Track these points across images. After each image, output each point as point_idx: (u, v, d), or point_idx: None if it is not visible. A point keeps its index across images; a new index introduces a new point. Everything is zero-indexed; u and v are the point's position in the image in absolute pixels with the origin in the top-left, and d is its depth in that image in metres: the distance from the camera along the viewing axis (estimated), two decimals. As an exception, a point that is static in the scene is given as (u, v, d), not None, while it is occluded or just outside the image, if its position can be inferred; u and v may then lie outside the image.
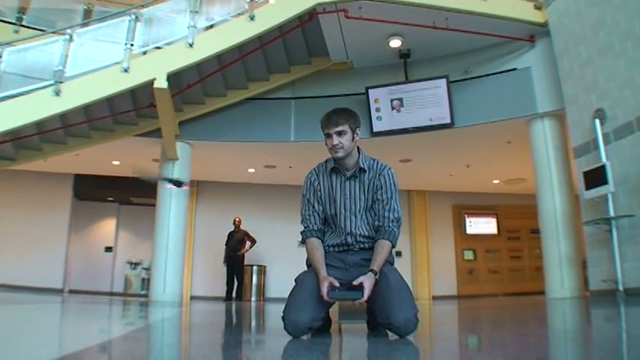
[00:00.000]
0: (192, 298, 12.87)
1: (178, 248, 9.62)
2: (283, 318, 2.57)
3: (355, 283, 2.50)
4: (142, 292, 13.57)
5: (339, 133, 2.70)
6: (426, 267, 14.11)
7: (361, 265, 2.68)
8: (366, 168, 2.79)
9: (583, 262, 7.90)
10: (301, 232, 2.85)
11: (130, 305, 7.68)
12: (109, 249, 14.70)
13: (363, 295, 2.47)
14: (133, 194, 14.25)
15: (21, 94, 7.85)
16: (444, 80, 8.79)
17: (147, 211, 12.43)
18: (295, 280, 2.73)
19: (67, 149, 9.55)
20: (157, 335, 3.30)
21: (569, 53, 7.77)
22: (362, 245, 2.77)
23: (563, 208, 8.04)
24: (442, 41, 8.71)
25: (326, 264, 2.67)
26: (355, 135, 2.76)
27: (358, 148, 2.84)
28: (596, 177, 6.88)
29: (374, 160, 2.86)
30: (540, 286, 8.72)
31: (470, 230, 14.97)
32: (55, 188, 13.37)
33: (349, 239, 2.76)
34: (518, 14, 8.27)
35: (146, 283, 13.08)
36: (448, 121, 8.87)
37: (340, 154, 2.72)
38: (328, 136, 2.74)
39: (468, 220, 15.01)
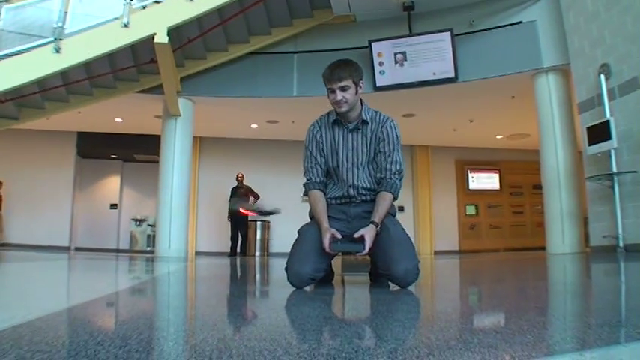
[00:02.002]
0: (197, 253, 13.02)
1: (182, 204, 9.69)
2: (286, 269, 2.61)
3: (356, 235, 2.52)
4: (148, 249, 13.73)
5: (343, 88, 2.65)
6: (428, 222, 14.20)
7: (363, 218, 2.69)
8: (368, 120, 2.76)
9: (584, 218, 7.94)
10: (304, 185, 2.85)
11: (136, 261, 7.78)
12: (114, 206, 14.80)
13: (364, 248, 2.49)
14: (136, 151, 14.25)
15: (21, 52, 7.79)
16: (448, 33, 8.66)
17: (151, 168, 12.47)
18: (298, 232, 2.75)
19: (69, 107, 9.52)
20: (163, 287, 3.36)
21: (576, 6, 7.63)
22: (364, 198, 2.78)
23: (565, 164, 8.04)
24: (447, -7, 8.57)
25: (328, 216, 2.68)
26: (358, 88, 2.71)
27: (361, 100, 2.80)
28: (599, 133, 6.86)
29: (376, 112, 2.83)
30: (541, 241, 8.80)
31: (472, 186, 15.01)
32: (58, 147, 13.41)
33: (351, 192, 2.76)
34: (525, -35, 8.11)
35: (151, 239, 13.22)
36: (452, 75, 8.78)
37: (344, 108, 2.69)
38: (331, 91, 2.69)
39: (470, 175, 15.03)
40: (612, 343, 1.14)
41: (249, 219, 12.29)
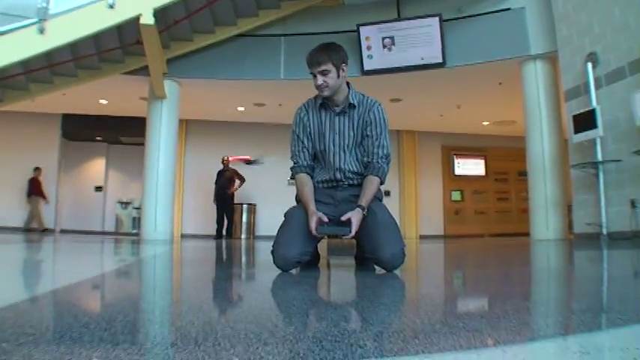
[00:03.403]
0: (183, 236, 13.01)
1: (168, 187, 9.66)
2: (272, 252, 2.61)
3: (343, 218, 2.52)
4: (134, 231, 13.68)
5: (323, 72, 2.64)
6: (414, 207, 14.28)
7: (350, 201, 2.69)
8: (355, 103, 2.75)
9: (568, 205, 8.02)
10: (291, 168, 2.84)
11: (121, 243, 7.75)
12: (99, 188, 14.70)
13: (350, 231, 2.49)
14: (121, 133, 14.15)
15: (4, 32, 7.66)
16: (436, 19, 8.65)
17: (136, 151, 12.39)
18: (284, 215, 2.74)
19: (54, 88, 9.41)
20: (149, 270, 3.35)
21: (565, -7, 7.64)
22: (351, 181, 2.78)
23: (551, 151, 8.10)
24: (436, -22, 8.54)
25: (315, 200, 2.68)
26: (340, 71, 2.69)
27: (348, 83, 2.79)
28: (585, 121, 6.90)
29: (364, 95, 2.82)
30: (526, 227, 8.89)
31: (458, 171, 15.10)
32: (43, 129, 13.29)
33: (338, 175, 2.76)
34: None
35: (137, 222, 13.17)
36: (440, 60, 8.79)
37: (326, 92, 2.68)
38: (313, 75, 2.68)
39: (456, 161, 15.11)
40: (595, 329, 1.16)
41: (235, 202, 12.28)
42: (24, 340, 0.98)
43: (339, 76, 2.69)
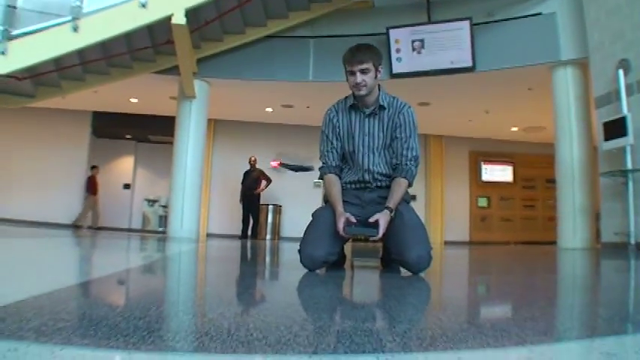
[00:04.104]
0: (208, 235, 13.11)
1: (195, 186, 9.75)
2: (300, 251, 2.63)
3: (371, 220, 2.53)
4: (160, 229, 13.83)
5: (363, 71, 2.66)
6: (440, 212, 14.18)
7: (377, 203, 2.71)
8: (385, 105, 2.76)
9: (596, 214, 7.89)
10: (319, 168, 2.87)
11: (148, 240, 7.86)
12: (127, 186, 14.88)
13: (378, 232, 2.51)
14: (150, 132, 14.31)
15: (39, 30, 7.83)
16: (467, 22, 8.60)
17: (164, 149, 12.53)
18: (312, 215, 2.77)
19: (85, 86, 9.56)
20: (178, 265, 3.40)
21: (597, 0, 7.54)
22: (379, 183, 2.79)
23: (580, 159, 7.98)
24: (467, -19, 8.51)
25: (343, 200, 2.69)
26: (378, 73, 2.72)
27: (379, 85, 2.80)
28: (616, 128, 6.80)
29: (394, 97, 2.83)
30: (552, 236, 8.77)
31: (485, 177, 14.95)
32: (73, 125, 13.50)
33: (366, 176, 2.77)
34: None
35: (163, 220, 13.32)
36: (470, 64, 8.73)
37: (363, 92, 2.69)
38: (351, 73, 2.69)
39: (483, 166, 14.96)
40: (622, 333, 1.16)
41: (261, 202, 12.34)
42: (62, 325, 1.01)
43: (376, 77, 2.71)
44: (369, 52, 2.70)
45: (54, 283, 1.83)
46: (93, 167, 13.55)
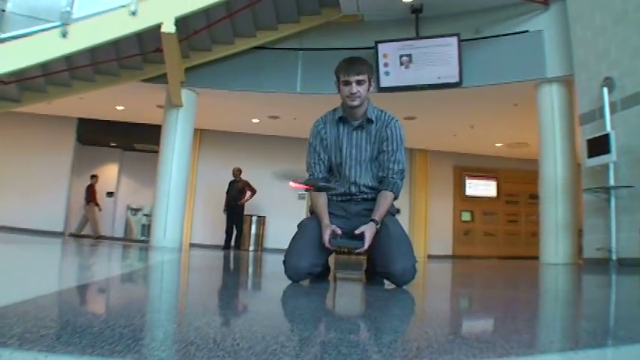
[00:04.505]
0: (192, 245, 13.02)
1: (180, 195, 9.69)
2: (284, 262, 2.63)
3: (357, 232, 2.54)
4: (142, 238, 13.72)
5: (359, 82, 2.69)
6: (423, 226, 14.22)
7: (363, 215, 2.71)
8: (373, 118, 2.79)
9: (579, 229, 7.97)
10: (306, 181, 2.86)
11: (130, 249, 7.80)
12: (110, 194, 14.77)
13: (363, 245, 2.51)
14: (136, 140, 14.24)
15: (27, 34, 7.78)
16: (455, 38, 8.68)
17: (149, 158, 12.47)
18: (298, 226, 2.77)
19: (72, 92, 9.51)
20: (162, 274, 3.38)
21: (584, 19, 7.65)
22: (365, 195, 2.80)
23: (564, 175, 8.07)
24: (455, -2, 8.60)
25: (329, 212, 2.70)
26: (370, 85, 2.76)
27: (368, 98, 2.82)
28: (599, 145, 6.88)
29: (382, 111, 2.85)
30: (534, 251, 8.82)
31: (469, 192, 15.05)
32: (58, 132, 13.36)
33: (353, 189, 2.78)
34: (534, -25, 8.13)
35: (146, 228, 13.23)
36: (457, 80, 8.80)
37: (356, 102, 2.71)
38: (347, 83, 2.71)
39: (467, 181, 15.07)
40: (604, 346, 1.17)
41: (245, 213, 12.31)
42: (45, 332, 1.00)
43: (368, 89, 2.75)
44: (365, 64, 2.75)
45: (38, 289, 1.81)
46: (93, 176, 13.59)
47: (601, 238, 6.92)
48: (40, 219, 12.75)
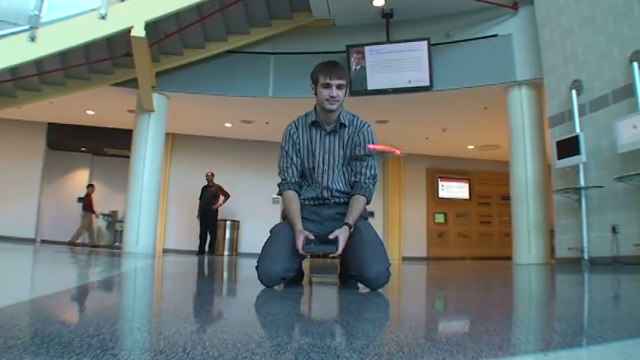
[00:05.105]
0: (165, 251, 12.91)
1: (152, 201, 9.60)
2: (257, 267, 2.60)
3: (331, 236, 2.53)
4: (115, 244, 13.55)
5: (339, 86, 2.71)
6: (398, 228, 14.31)
7: (335, 219, 2.72)
8: (346, 123, 2.80)
9: (551, 230, 8.10)
10: (278, 184, 2.85)
11: (102, 255, 7.68)
12: (81, 199, 14.54)
13: (337, 249, 2.51)
14: (107, 145, 14.08)
15: (-6, 38, 7.65)
16: (425, 42, 8.77)
17: (121, 163, 12.34)
18: (270, 231, 2.75)
19: (42, 97, 9.37)
20: (134, 282, 3.33)
21: (551, 23, 7.80)
22: (337, 200, 2.80)
23: (534, 176, 8.19)
24: (426, 2, 8.67)
25: (301, 217, 2.69)
26: (347, 91, 2.78)
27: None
28: (569, 147, 7.01)
29: (354, 115, 2.87)
30: (508, 251, 8.94)
31: (442, 194, 15.20)
32: (28, 137, 13.15)
33: (325, 193, 2.78)
34: (503, -21, 8.25)
35: (119, 234, 13.07)
36: (427, 83, 8.89)
37: (335, 106, 2.72)
38: (327, 86, 2.70)
39: (440, 183, 15.21)
40: (576, 346, 1.19)
41: (218, 218, 12.24)
42: (13, 342, 0.98)
43: (345, 94, 2.76)
44: (345, 70, 2.79)
45: (7, 298, 1.77)
46: (89, 185, 13.65)
47: (573, 238, 7.04)
48: (10, 225, 12.52)
